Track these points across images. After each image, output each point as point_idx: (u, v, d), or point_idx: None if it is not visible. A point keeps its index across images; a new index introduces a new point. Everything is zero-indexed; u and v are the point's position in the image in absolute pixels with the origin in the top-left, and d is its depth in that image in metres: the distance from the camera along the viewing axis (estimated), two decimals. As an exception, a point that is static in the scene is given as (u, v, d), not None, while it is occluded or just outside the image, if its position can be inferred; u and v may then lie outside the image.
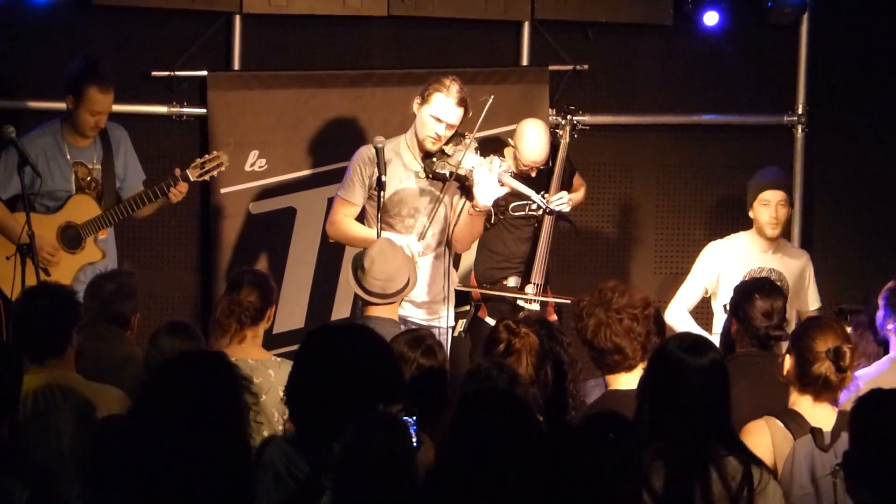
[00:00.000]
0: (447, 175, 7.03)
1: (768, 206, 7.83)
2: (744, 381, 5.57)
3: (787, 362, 5.19)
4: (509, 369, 5.01)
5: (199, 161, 7.79)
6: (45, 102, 8.33)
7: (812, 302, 8.00)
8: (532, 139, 7.84)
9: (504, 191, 7.04)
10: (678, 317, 7.73)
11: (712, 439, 4.35)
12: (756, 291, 5.94)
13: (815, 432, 4.86)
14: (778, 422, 5.06)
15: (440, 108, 6.99)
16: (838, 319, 5.86)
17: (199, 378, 3.63)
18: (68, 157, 7.70)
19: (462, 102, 7.00)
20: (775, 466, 4.97)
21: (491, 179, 6.91)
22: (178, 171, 7.63)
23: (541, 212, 7.56)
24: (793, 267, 7.94)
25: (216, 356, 3.80)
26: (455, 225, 7.13)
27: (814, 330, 5.19)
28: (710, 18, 9.06)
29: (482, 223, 7.25)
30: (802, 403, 5.11)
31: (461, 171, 6.99)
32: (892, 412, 3.99)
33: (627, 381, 5.40)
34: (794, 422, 5.04)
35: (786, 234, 8.56)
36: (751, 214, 7.93)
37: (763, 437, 5.01)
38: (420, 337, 5.40)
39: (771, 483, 4.39)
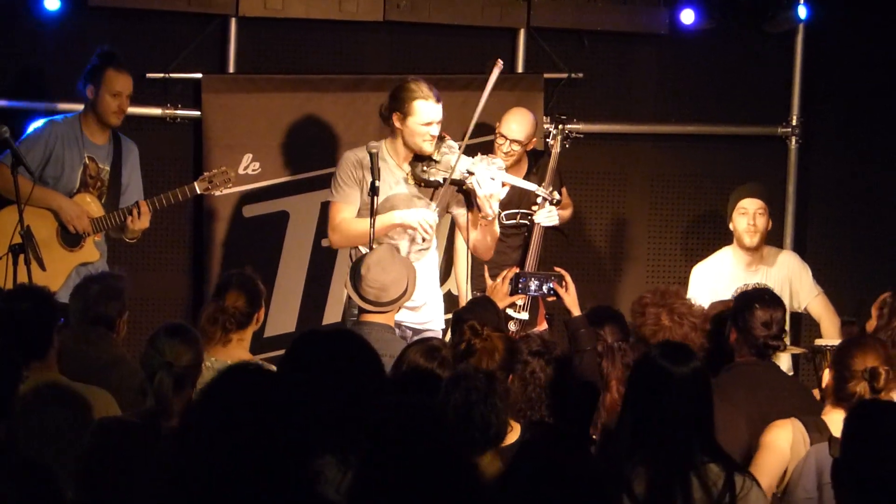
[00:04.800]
0: (441, 181, 7.03)
1: (746, 215, 8.00)
2: (742, 389, 5.65)
3: (826, 376, 5.27)
4: (486, 371, 4.99)
5: (207, 175, 7.84)
6: (39, 103, 8.35)
7: (806, 297, 8.05)
8: (513, 115, 7.81)
9: (506, 191, 7.06)
10: None
11: (694, 447, 4.35)
12: (756, 301, 5.98)
13: (832, 440, 4.90)
14: (801, 425, 5.13)
15: (425, 114, 7.00)
16: (883, 341, 5.83)
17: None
18: (83, 149, 7.72)
19: (438, 98, 7.04)
20: (788, 465, 5.07)
21: (493, 184, 6.94)
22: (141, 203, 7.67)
23: (547, 203, 7.53)
24: (779, 276, 8.01)
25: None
26: (468, 238, 7.17)
27: (856, 348, 5.25)
28: (687, 17, 9.05)
29: (495, 227, 7.25)
30: (833, 416, 5.14)
31: (455, 176, 6.99)
32: (882, 424, 3.99)
33: None
34: (818, 429, 5.10)
35: (777, 245, 8.57)
36: (731, 226, 8.09)
37: (785, 432, 5.11)
38: (434, 347, 5.35)
39: (754, 489, 4.41)
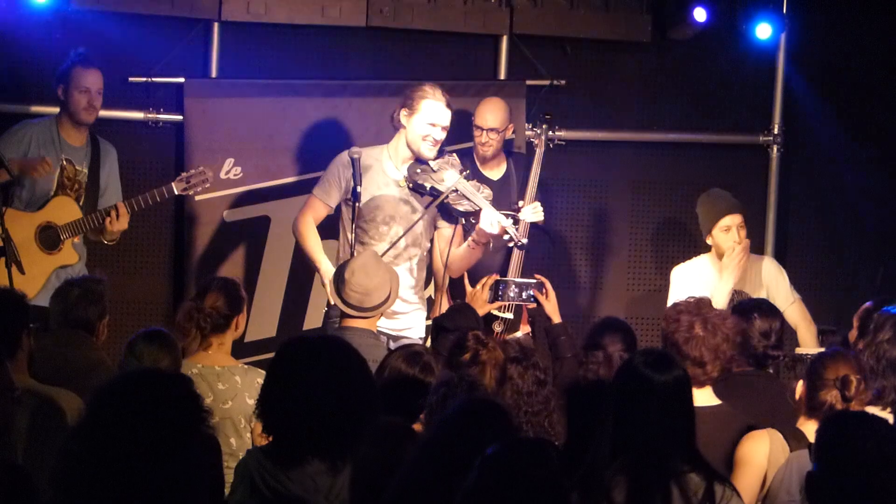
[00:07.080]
0: (427, 188, 7.04)
1: (730, 232, 7.76)
2: (740, 400, 5.64)
3: (800, 387, 5.27)
4: (469, 377, 4.98)
5: (184, 175, 7.82)
6: (20, 106, 8.34)
7: (782, 304, 7.96)
8: (485, 105, 7.77)
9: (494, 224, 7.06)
10: None
11: (675, 456, 4.35)
12: (755, 311, 5.97)
13: (812, 449, 4.89)
14: (779, 434, 5.15)
15: (432, 114, 7.06)
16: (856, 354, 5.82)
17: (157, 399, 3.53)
18: (60, 151, 7.70)
19: (449, 104, 7.08)
20: (767, 474, 5.08)
21: (467, 204, 6.97)
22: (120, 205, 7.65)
23: (512, 244, 7.44)
24: (754, 282, 7.96)
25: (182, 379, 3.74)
26: (449, 252, 7.17)
27: (828, 359, 5.26)
28: (700, 15, 8.98)
29: (480, 253, 7.27)
30: (808, 427, 5.16)
31: (442, 188, 7.00)
32: (854, 435, 3.99)
33: (696, 397, 5.33)
34: (795, 438, 5.12)
35: (759, 253, 8.56)
36: (709, 241, 7.86)
37: (762, 444, 5.11)
38: (417, 353, 5.36)
39: (734, 499, 4.40)
